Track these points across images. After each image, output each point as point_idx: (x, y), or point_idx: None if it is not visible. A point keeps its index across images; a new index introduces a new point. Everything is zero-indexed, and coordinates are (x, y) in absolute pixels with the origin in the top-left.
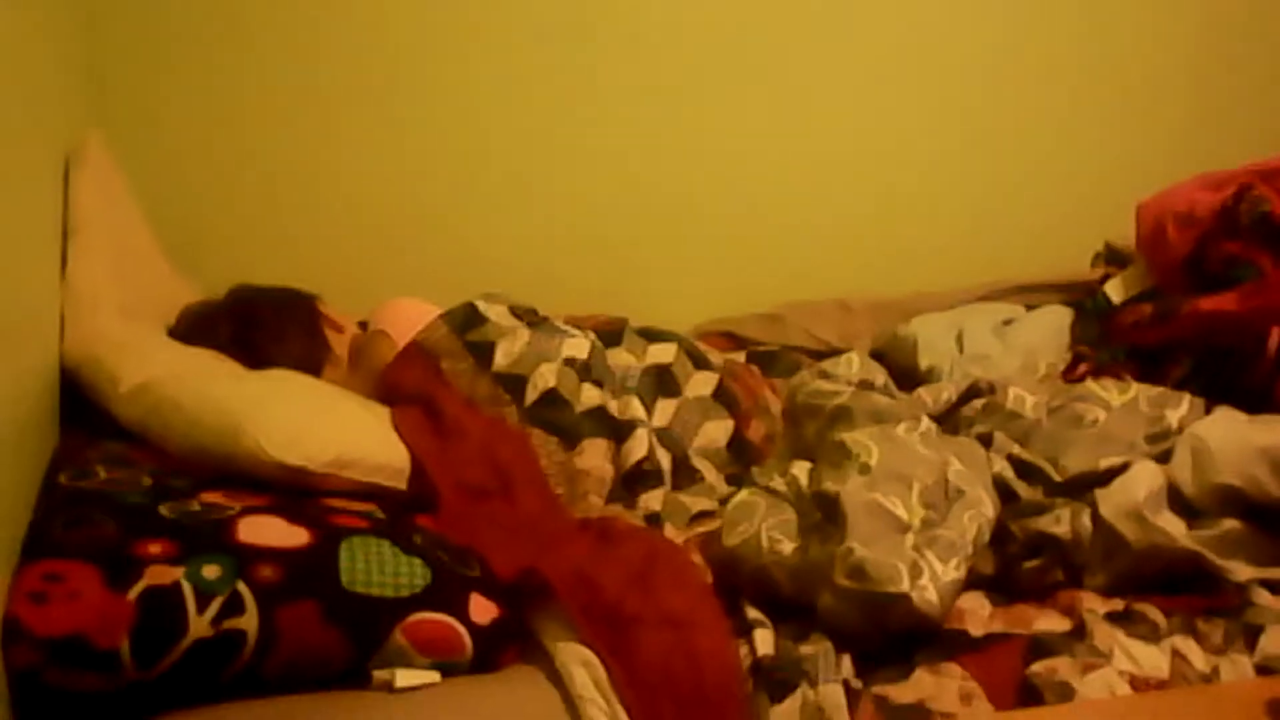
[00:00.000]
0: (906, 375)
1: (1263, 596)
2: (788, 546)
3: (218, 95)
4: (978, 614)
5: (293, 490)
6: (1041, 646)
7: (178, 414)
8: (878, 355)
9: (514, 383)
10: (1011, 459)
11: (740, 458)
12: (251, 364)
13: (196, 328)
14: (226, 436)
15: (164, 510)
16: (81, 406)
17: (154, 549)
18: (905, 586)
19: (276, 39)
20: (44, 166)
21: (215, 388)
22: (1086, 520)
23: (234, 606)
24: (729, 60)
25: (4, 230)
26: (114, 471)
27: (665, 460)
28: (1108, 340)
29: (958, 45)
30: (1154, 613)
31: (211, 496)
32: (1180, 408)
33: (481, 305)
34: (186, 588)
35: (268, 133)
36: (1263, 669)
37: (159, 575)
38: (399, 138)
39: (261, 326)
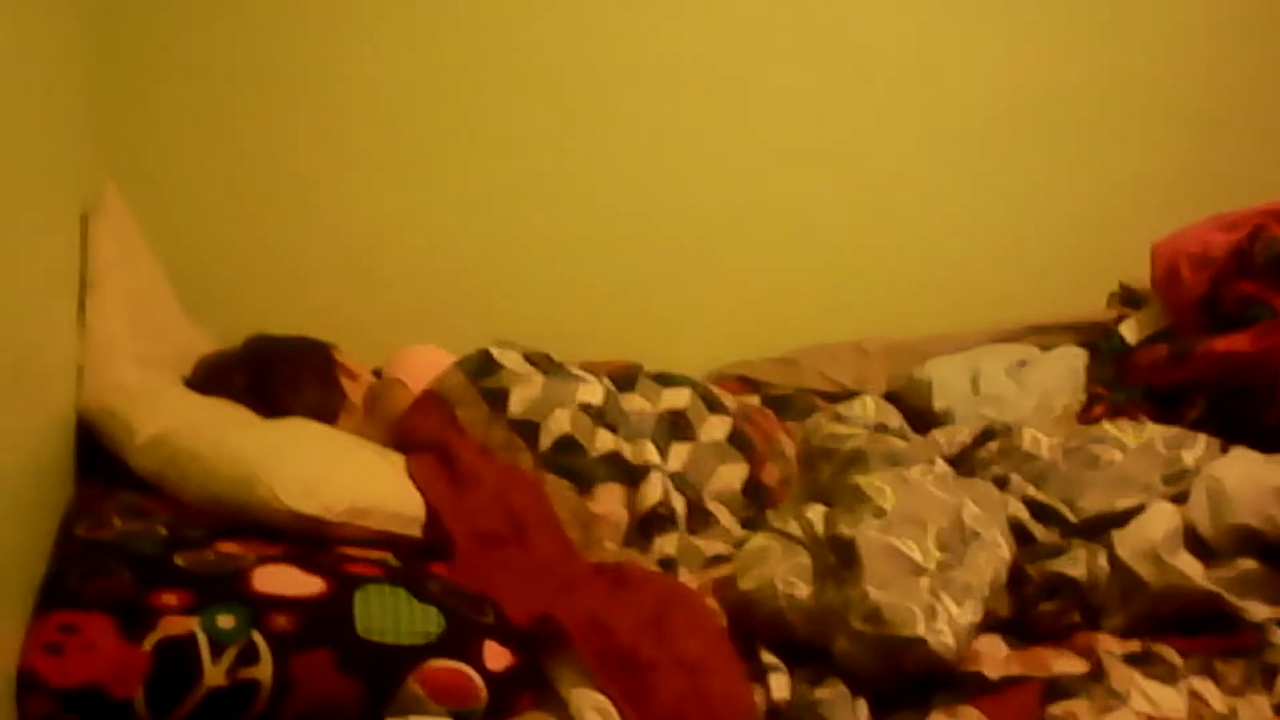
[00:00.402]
0: (921, 418)
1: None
2: (803, 590)
3: (232, 146)
4: (994, 656)
5: (308, 539)
6: (1059, 688)
7: (193, 464)
8: (893, 398)
9: (528, 429)
10: (1027, 501)
11: (755, 501)
12: (267, 413)
13: (212, 377)
14: (241, 486)
15: (179, 560)
16: (98, 457)
17: (169, 599)
18: (921, 630)
19: (290, 91)
20: (62, 219)
21: (230, 437)
22: (1103, 561)
23: (249, 656)
24: (742, 103)
25: (23, 282)
26: (130, 522)
27: (680, 505)
28: (1123, 381)
29: (974, 88)
30: (1171, 654)
31: (227, 546)
32: (1196, 448)
33: (496, 352)
34: (201, 638)
35: (283, 183)
36: None
37: (174, 625)
38: (413, 187)
39: (277, 375)
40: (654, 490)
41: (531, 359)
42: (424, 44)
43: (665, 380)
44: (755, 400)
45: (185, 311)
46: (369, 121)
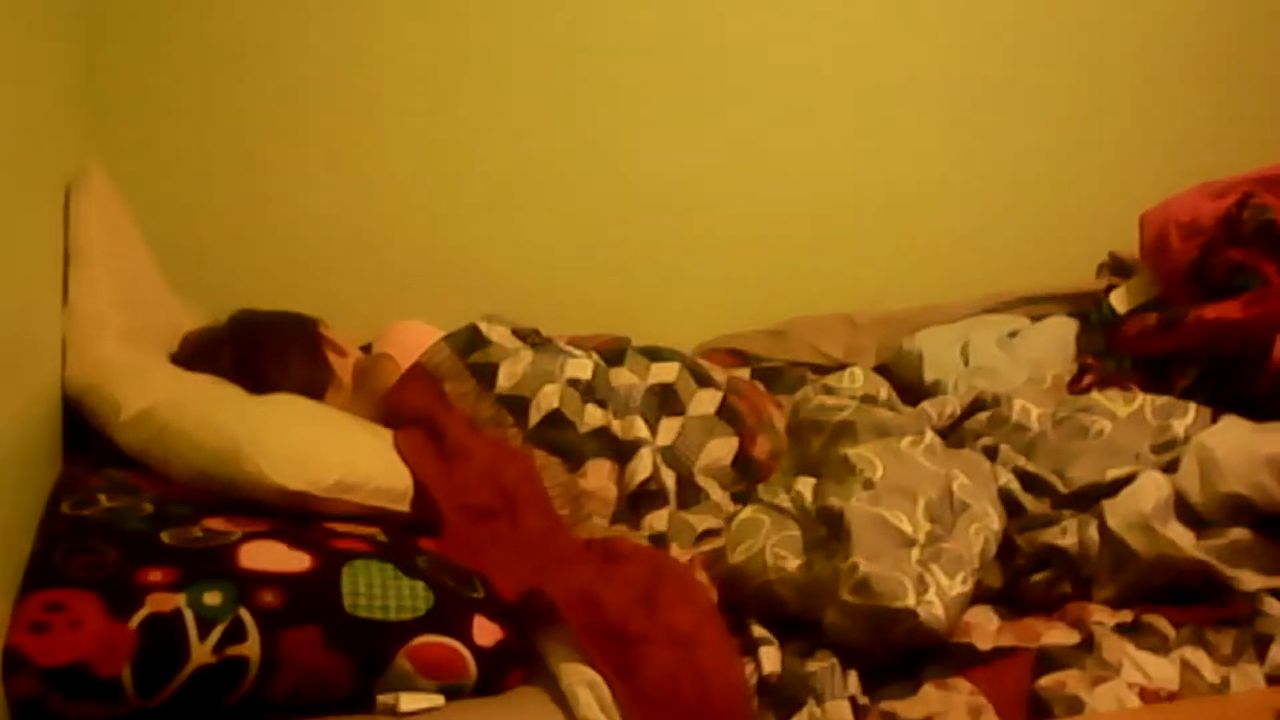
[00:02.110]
0: (912, 389)
1: (1273, 606)
2: (793, 563)
3: (217, 122)
4: (985, 628)
5: (295, 515)
6: (1050, 660)
7: (179, 440)
8: (883, 370)
9: (517, 404)
10: (1017, 471)
11: (745, 475)
12: (254, 389)
13: (199, 353)
14: (228, 461)
15: (165, 537)
16: (84, 434)
17: (155, 576)
18: (911, 601)
19: (274, 66)
20: (46, 194)
21: (217, 413)
22: (1094, 532)
23: (236, 633)
24: (731, 74)
25: (6, 258)
26: (116, 499)
27: (670, 479)
28: (1113, 350)
29: (960, 57)
30: (1163, 624)
31: (213, 522)
32: (1186, 417)
33: (484, 327)
34: (188, 615)
35: (268, 158)
36: (1273, 679)
37: (160, 603)
38: (399, 160)
39: (264, 351)
40: (644, 465)
41: (520, 334)
42: (410, 20)
43: (654, 354)
44: (745, 373)
45: (171, 287)
46: (356, 97)
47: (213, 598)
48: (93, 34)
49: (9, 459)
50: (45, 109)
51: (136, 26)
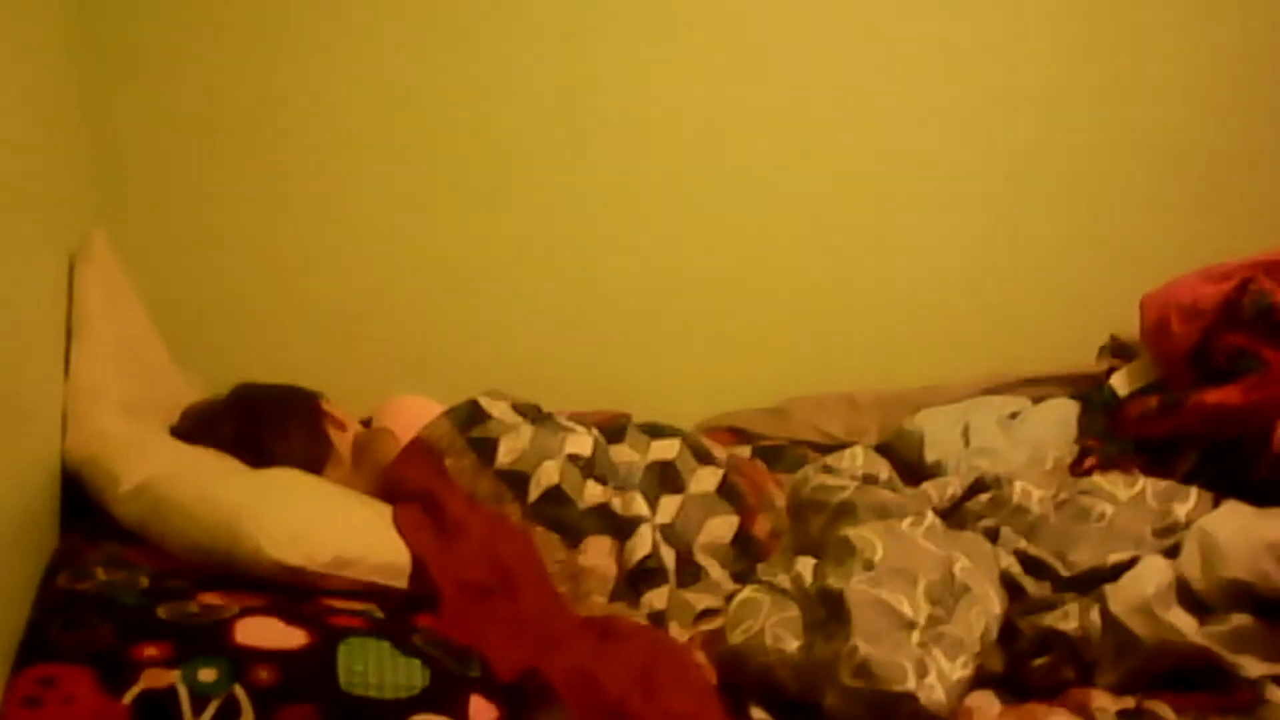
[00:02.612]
0: (913, 470)
1: (1275, 693)
2: (792, 644)
3: (221, 195)
4: (986, 712)
5: (292, 590)
6: None
7: (177, 513)
8: (884, 449)
9: (517, 480)
10: (1019, 554)
11: (746, 554)
12: (254, 462)
13: (199, 426)
14: (225, 535)
15: (161, 612)
16: (83, 506)
17: (150, 651)
18: (911, 685)
19: (280, 142)
20: (48, 265)
21: (214, 486)
22: (1096, 616)
23: (230, 710)
24: (733, 153)
25: (8, 329)
26: (112, 573)
27: (669, 558)
28: (1114, 433)
29: (965, 143)
30: (1166, 711)
31: (209, 597)
32: (1188, 501)
33: (484, 402)
34: (182, 691)
35: (270, 232)
36: None
37: (155, 678)
38: (402, 236)
39: (264, 425)
40: (643, 543)
41: (520, 409)
42: (413, 98)
43: (654, 431)
44: (745, 452)
45: (172, 359)
46: (358, 173)
47: (208, 674)
48: (96, 105)
49: (6, 530)
50: (48, 179)
51: (140, 99)
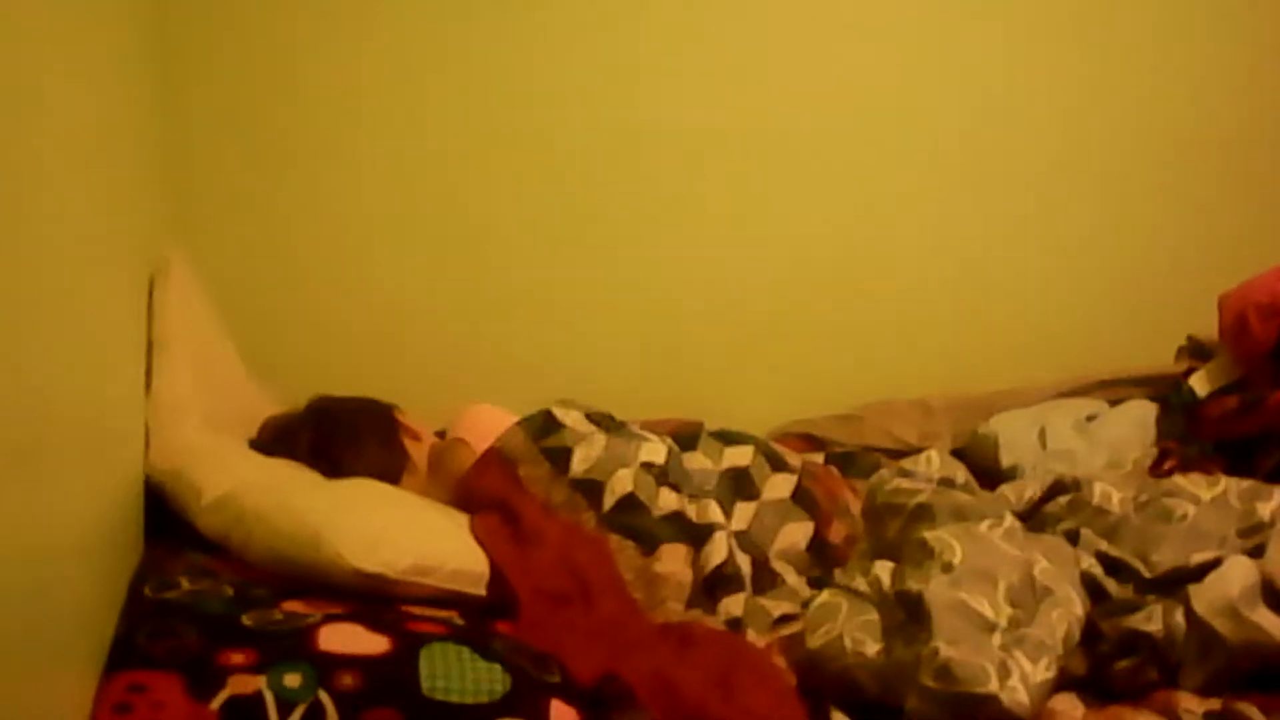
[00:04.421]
0: (988, 474)
1: None
2: (872, 648)
3: (296, 212)
4: (1070, 715)
5: (373, 598)
6: None
7: (259, 524)
8: (958, 454)
9: (591, 488)
10: (1099, 555)
11: (821, 560)
12: (331, 474)
13: (277, 439)
14: (306, 545)
15: (246, 619)
16: (166, 518)
17: (236, 658)
18: (994, 687)
19: (355, 155)
20: (129, 283)
21: (295, 497)
22: (1179, 617)
23: (316, 715)
24: (805, 159)
25: (92, 345)
26: (197, 582)
27: (745, 564)
28: (1194, 434)
29: (1042, 143)
30: (1254, 712)
31: (292, 605)
32: (1272, 500)
33: (558, 412)
34: (268, 696)
35: (346, 248)
36: None
37: (241, 684)
38: (478, 248)
39: (340, 437)
40: (719, 550)
41: (593, 418)
42: (488, 111)
43: (727, 438)
44: (819, 458)
45: (250, 374)
46: (432, 185)
47: (293, 680)
48: (173, 127)
49: (94, 543)
50: (129, 200)
51: (215, 120)
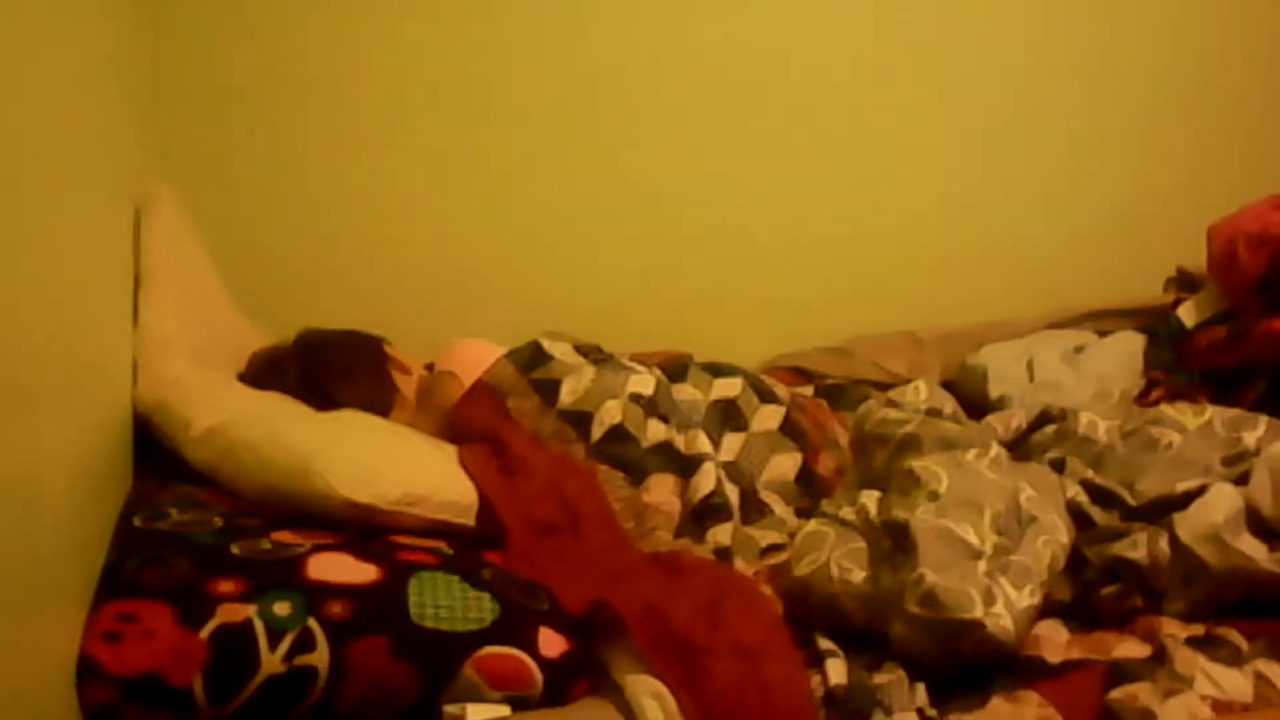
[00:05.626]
0: (977, 405)
1: None
2: (858, 575)
3: (282, 144)
4: (1055, 641)
5: (362, 528)
6: (1121, 673)
7: (249, 455)
8: (947, 386)
9: (580, 419)
10: (1085, 484)
11: (809, 491)
12: (320, 406)
13: (265, 371)
14: (296, 476)
15: (235, 549)
16: (154, 450)
17: (226, 587)
18: (979, 613)
19: (340, 89)
20: (116, 218)
21: (285, 429)
22: (1164, 545)
23: (305, 643)
24: (794, 93)
25: (79, 280)
26: (186, 513)
27: (733, 494)
28: (1182, 364)
29: (1028, 73)
30: (1236, 637)
31: (282, 535)
32: (1257, 429)
33: (546, 344)
34: (258, 625)
35: (332, 179)
36: None
37: (231, 613)
38: (462, 181)
39: (329, 369)
40: (707, 480)
41: (582, 350)
42: (476, 50)
43: (717, 370)
44: (808, 391)
45: (238, 307)
46: (419, 118)
47: (282, 608)
48: (157, 60)
49: (82, 474)
50: (114, 133)
51: (200, 52)
